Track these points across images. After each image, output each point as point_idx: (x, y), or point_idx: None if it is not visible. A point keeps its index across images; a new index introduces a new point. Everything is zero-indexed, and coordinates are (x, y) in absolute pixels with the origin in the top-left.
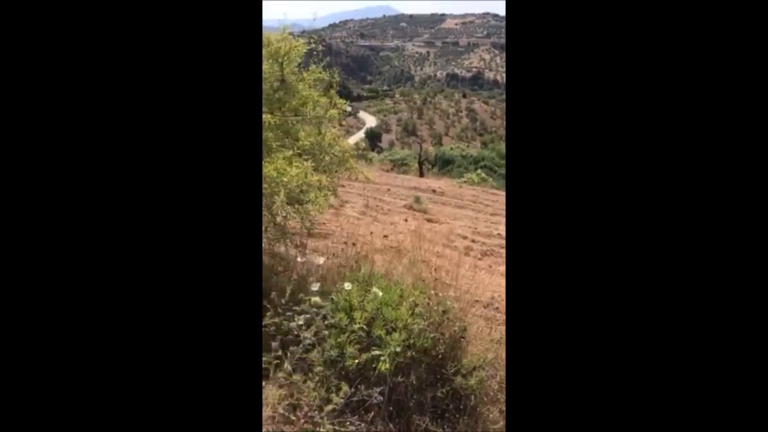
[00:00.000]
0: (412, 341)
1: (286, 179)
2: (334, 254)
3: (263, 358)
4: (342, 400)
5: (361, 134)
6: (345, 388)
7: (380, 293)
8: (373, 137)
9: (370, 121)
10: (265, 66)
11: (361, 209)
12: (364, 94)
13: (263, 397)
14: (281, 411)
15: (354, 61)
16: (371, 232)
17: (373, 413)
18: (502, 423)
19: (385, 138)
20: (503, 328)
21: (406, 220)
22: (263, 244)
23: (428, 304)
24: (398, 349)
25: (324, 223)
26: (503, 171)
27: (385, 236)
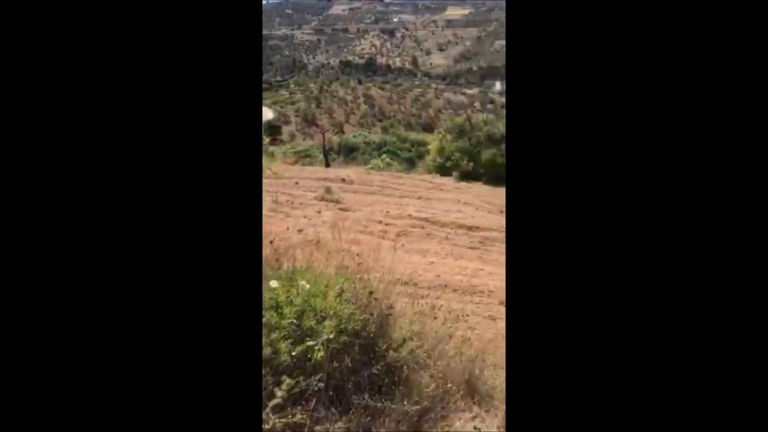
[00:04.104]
0: (343, 326)
1: None
2: None
3: None
4: (285, 393)
5: None
6: (288, 380)
7: (307, 285)
8: (273, 131)
9: (267, 114)
10: None
11: (270, 206)
12: None
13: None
14: None
15: None
16: (287, 228)
17: (314, 401)
18: (433, 386)
19: (286, 130)
20: (424, 301)
21: (319, 212)
22: None
23: (354, 288)
24: (331, 336)
25: None
26: (406, 155)
27: (300, 230)
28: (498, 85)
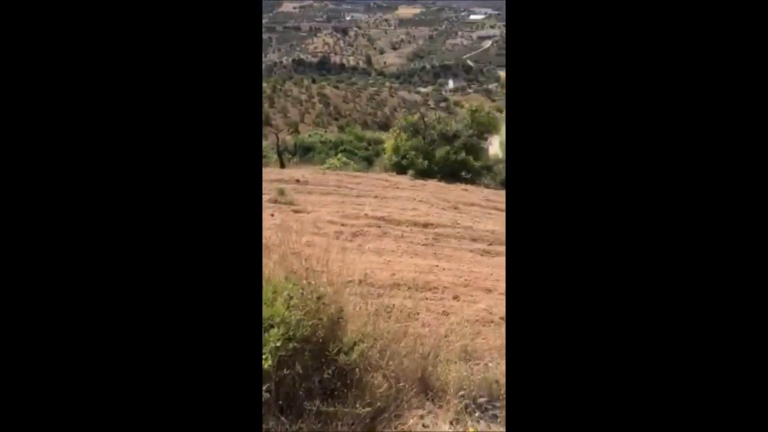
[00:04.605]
0: (291, 333)
1: None
2: None
3: None
4: None
5: None
6: None
7: None
8: None
9: None
10: None
11: None
12: None
13: None
14: None
15: None
16: None
17: (263, 411)
18: (386, 386)
19: None
20: (378, 301)
21: (272, 215)
22: None
23: (302, 294)
24: (278, 344)
25: None
26: (363, 154)
27: None
28: (451, 83)
